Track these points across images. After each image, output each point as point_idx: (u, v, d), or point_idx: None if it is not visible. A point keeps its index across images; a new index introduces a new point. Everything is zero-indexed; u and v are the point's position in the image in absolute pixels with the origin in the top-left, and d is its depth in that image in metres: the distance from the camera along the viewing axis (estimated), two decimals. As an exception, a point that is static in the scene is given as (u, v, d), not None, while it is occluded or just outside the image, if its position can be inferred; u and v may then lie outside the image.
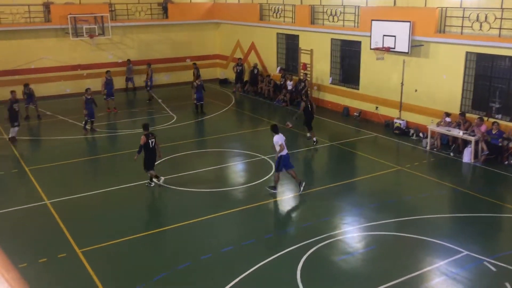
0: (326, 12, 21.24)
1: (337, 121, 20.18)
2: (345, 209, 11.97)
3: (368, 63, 19.75)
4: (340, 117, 20.70)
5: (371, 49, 18.70)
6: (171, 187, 13.24)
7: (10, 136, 17.45)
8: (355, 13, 19.85)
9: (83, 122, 18.87)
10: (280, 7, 23.87)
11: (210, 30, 29.07)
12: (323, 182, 13.69)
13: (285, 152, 12.50)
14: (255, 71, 25.54)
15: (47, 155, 16.39)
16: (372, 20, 18.35)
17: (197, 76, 23.95)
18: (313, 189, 13.04)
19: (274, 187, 12.74)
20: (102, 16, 24.54)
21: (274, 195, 12.64)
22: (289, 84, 23.04)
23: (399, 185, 13.70)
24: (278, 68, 24.86)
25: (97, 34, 24.50)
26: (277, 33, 24.83)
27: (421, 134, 17.50)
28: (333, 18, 20.97)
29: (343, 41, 21.19)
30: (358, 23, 19.73)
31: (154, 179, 13.18)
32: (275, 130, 12.63)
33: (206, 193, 12.93)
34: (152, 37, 27.26)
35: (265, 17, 25.31)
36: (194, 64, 25.76)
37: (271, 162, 15.02)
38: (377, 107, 19.73)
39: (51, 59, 24.66)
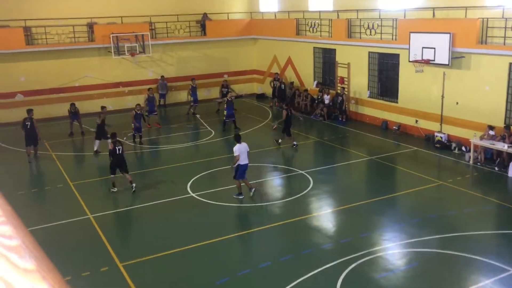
0: (363, 25, 21.12)
1: (376, 135, 19.91)
2: (385, 224, 11.74)
3: (407, 76, 19.45)
4: (378, 131, 20.42)
5: (409, 61, 18.44)
6: (210, 201, 13.35)
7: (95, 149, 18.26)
8: (392, 26, 19.66)
9: (132, 135, 19.63)
10: (317, 21, 23.92)
11: (247, 46, 29.40)
12: (362, 196, 13.49)
13: (243, 162, 13.05)
14: (282, 86, 25.40)
15: (91, 170, 16.88)
16: (411, 32, 18.11)
17: (225, 93, 23.73)
18: (352, 204, 12.87)
19: (239, 194, 13.34)
20: (142, 35, 25.26)
21: (310, 210, 12.55)
22: (326, 98, 22.94)
23: (441, 200, 13.34)
24: (315, 82, 24.83)
25: (138, 52, 25.21)
26: (314, 48, 24.85)
27: (463, 148, 17.02)
28: (370, 31, 20.83)
29: (380, 54, 20.99)
30: (396, 35, 19.53)
31: (113, 188, 14.19)
32: (237, 139, 13.29)
33: (243, 208, 12.96)
34: (191, 53, 27.81)
35: (301, 32, 25.40)
36: (225, 81, 25.77)
37: (309, 177, 14.95)
38: (417, 121, 19.36)
39: (94, 77, 25.51)
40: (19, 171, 17.00)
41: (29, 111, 17.93)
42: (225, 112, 20.80)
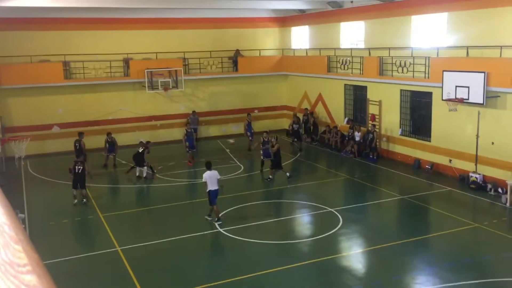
0: (395, 63, 21.13)
1: (408, 173, 19.59)
2: (417, 267, 11.39)
3: (440, 114, 19.22)
4: (410, 170, 20.09)
5: (443, 100, 18.24)
6: (237, 237, 13.29)
7: (144, 175, 19.41)
8: (425, 64, 19.59)
9: (187, 153, 21.26)
10: (348, 59, 24.07)
11: (278, 82, 29.74)
12: (394, 237, 13.17)
13: (213, 188, 13.96)
14: (295, 127, 25.22)
15: (121, 203, 17.11)
16: (444, 71, 17.99)
17: (247, 127, 23.58)
18: (383, 244, 12.58)
19: (218, 219, 14.12)
20: (176, 70, 25.92)
21: (339, 250, 12.31)
22: (357, 135, 22.81)
23: (476, 244, 12.89)
24: (346, 119, 24.77)
25: (171, 87, 25.82)
26: (345, 84, 24.92)
27: (499, 190, 16.51)
28: (402, 69, 20.81)
29: (413, 92, 20.86)
30: (428, 74, 19.43)
31: (75, 200, 16.25)
32: (207, 166, 14.27)
33: (271, 245, 12.83)
34: (222, 89, 28.29)
35: (332, 68, 25.58)
36: (249, 114, 25.40)
37: (338, 215, 14.75)
38: (450, 160, 18.97)
39: (128, 111, 26.17)
40: (51, 202, 17.38)
41: (80, 134, 20.35)
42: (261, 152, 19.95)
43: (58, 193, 18.02)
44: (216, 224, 14.10)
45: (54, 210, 16.41)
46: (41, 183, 19.61)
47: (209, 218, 14.40)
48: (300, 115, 26.79)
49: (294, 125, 25.32)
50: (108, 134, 21.93)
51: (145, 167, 19.62)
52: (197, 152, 23.35)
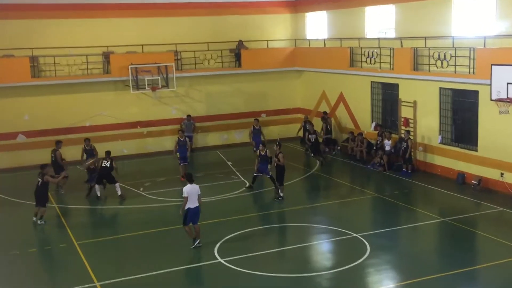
0: (433, 56, 21.14)
1: (450, 190, 19.52)
2: (462, 306, 11.32)
3: (488, 118, 19.18)
4: (453, 186, 20.01)
5: (492, 100, 18.22)
6: (241, 269, 13.26)
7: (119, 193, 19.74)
8: (469, 57, 19.59)
9: (180, 166, 21.47)
10: (375, 51, 24.12)
11: (290, 80, 29.82)
12: (433, 269, 13.09)
13: (193, 205, 14.32)
14: (312, 138, 24.98)
15: (100, 227, 17.11)
16: (492, 65, 17.98)
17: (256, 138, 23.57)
18: (420, 278, 12.52)
19: (194, 240, 14.65)
20: (166, 66, 26.08)
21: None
22: (387, 144, 22.78)
23: (535, 277, 12.81)
24: (373, 124, 24.77)
25: (160, 86, 25.95)
26: (372, 82, 24.93)
27: None
28: (441, 63, 20.81)
29: (455, 90, 20.84)
30: (474, 68, 19.42)
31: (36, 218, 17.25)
32: (188, 178, 14.70)
33: (284, 279, 12.80)
34: (222, 88, 28.39)
35: (356, 63, 25.62)
36: (256, 120, 25.33)
37: (365, 241, 14.71)
38: (502, 174, 18.91)
39: (109, 116, 26.29)
40: (16, 226, 17.43)
41: (58, 143, 21.09)
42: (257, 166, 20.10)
43: (23, 216, 18.07)
44: (194, 245, 14.59)
45: (19, 237, 16.44)
46: (2, 204, 19.69)
47: (199, 244, 14.69)
48: (315, 121, 26.80)
49: (310, 136, 24.50)
50: (86, 140, 21.83)
51: (118, 184, 19.65)
52: (191, 165, 23.39)
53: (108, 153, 19.91)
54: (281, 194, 18.89)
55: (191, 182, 14.57)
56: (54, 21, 25.53)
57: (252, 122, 25.15)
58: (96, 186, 19.61)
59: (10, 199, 20.14)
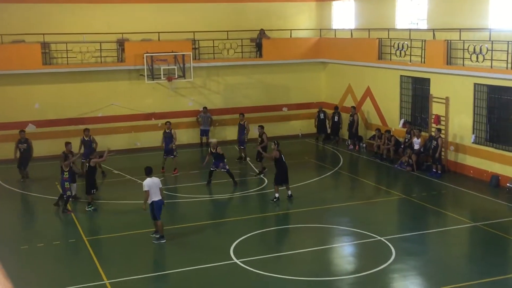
0: (468, 49, 20.92)
1: (483, 193, 19.34)
2: (494, 317, 11.23)
3: (526, 117, 18.94)
4: (486, 188, 19.82)
5: (530, 98, 17.99)
6: (258, 271, 13.29)
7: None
8: (507, 51, 19.35)
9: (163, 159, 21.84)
10: (406, 43, 23.94)
11: (314, 72, 29.73)
12: (464, 276, 13.05)
13: (157, 198, 14.90)
14: (321, 115, 27.22)
15: (111, 223, 17.28)
16: (532, 59, 17.76)
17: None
18: (450, 285, 12.45)
19: (161, 237, 15.06)
20: (183, 55, 26.12)
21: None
22: (416, 142, 22.62)
23: None
24: (402, 121, 24.60)
25: (176, 77, 26.02)
26: (401, 76, 24.76)
27: None
28: (477, 57, 20.58)
29: (490, 86, 20.62)
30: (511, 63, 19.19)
31: None
32: (147, 172, 15.27)
33: (303, 283, 12.81)
34: (242, 80, 28.40)
35: (385, 55, 25.46)
36: (241, 114, 24.70)
37: (390, 245, 14.64)
38: (539, 177, 18.68)
39: (122, 106, 26.46)
40: (23, 220, 17.67)
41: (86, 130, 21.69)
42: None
43: (33, 209, 18.32)
44: (159, 242, 14.97)
45: (28, 231, 16.66)
46: (11, 196, 19.97)
47: (156, 236, 15.16)
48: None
49: (320, 114, 27.32)
50: (86, 131, 22.01)
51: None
52: (203, 159, 23.44)
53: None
54: (289, 193, 18.77)
55: (149, 175, 15.20)
56: (66, 6, 25.73)
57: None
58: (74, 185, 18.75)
59: (19, 191, 20.38)
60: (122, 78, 26.34)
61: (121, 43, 26.39)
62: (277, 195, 18.55)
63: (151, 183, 15.00)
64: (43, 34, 24.94)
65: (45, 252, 15.04)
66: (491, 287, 12.48)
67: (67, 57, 25.56)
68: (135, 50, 25.91)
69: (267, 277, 13.06)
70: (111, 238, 15.87)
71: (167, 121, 23.16)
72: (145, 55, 25.44)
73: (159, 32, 26.70)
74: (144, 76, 25.58)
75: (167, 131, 22.54)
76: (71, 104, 25.61)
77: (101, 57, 26.06)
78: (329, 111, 28.29)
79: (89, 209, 17.87)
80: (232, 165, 22.07)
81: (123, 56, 26.27)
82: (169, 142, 22.32)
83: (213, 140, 22.02)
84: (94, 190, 18.19)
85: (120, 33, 26.43)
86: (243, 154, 24.07)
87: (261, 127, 22.60)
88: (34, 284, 12.74)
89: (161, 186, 15.24)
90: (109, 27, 26.12)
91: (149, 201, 14.93)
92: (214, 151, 20.51)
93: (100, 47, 25.87)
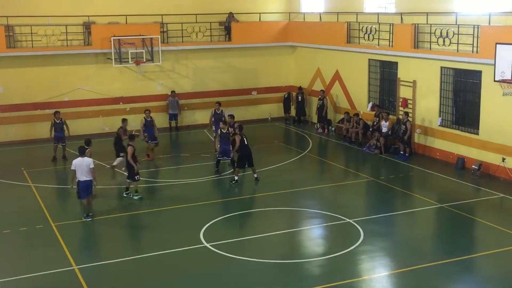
0: (434, 33, 21.11)
1: (449, 175, 19.65)
2: (459, 295, 11.46)
3: (491, 100, 19.25)
4: (452, 171, 20.15)
5: (495, 81, 18.27)
6: (228, 255, 13.32)
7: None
8: (473, 35, 19.59)
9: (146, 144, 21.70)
10: (374, 26, 24.06)
11: (283, 56, 29.72)
12: (429, 257, 13.23)
13: (82, 178, 15.33)
14: (285, 95, 28.88)
15: (78, 208, 17.09)
16: (497, 43, 18.00)
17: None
18: (415, 266, 12.62)
19: (87, 215, 15.68)
20: (151, 39, 25.85)
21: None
22: (384, 126, 22.84)
23: (535, 266, 12.98)
24: (370, 104, 24.81)
25: (144, 60, 25.77)
26: (370, 60, 24.92)
27: None
28: (443, 41, 20.79)
29: (456, 70, 20.87)
30: (477, 47, 19.43)
31: None
32: (79, 151, 15.61)
33: (273, 265, 12.86)
34: (211, 63, 28.26)
35: (354, 39, 25.55)
36: (218, 103, 23.56)
37: (358, 227, 14.80)
38: (504, 159, 19.05)
39: (89, 90, 26.11)
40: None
41: (124, 121, 21.17)
42: (218, 147, 20.22)
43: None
44: (86, 219, 15.54)
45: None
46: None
47: (89, 219, 15.63)
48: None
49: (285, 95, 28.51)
50: (56, 113, 21.85)
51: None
52: (178, 145, 23.34)
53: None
54: (255, 176, 19.12)
55: (82, 154, 15.51)
56: (31, -13, 25.20)
57: (214, 105, 23.74)
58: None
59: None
60: (89, 62, 25.98)
61: (87, 26, 26.01)
62: (236, 178, 18.72)
63: (78, 163, 15.35)
64: (7, 16, 24.46)
65: (12, 238, 14.82)
66: (456, 266, 12.66)
67: (32, 40, 25.09)
68: (102, 33, 25.54)
69: (237, 260, 13.07)
70: (79, 224, 15.70)
71: (147, 110, 22.72)
72: (112, 38, 25.10)
73: (126, 15, 26.38)
74: (112, 60, 25.26)
75: (147, 119, 22.04)
76: (37, 89, 25.25)
77: (67, 40, 25.64)
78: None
79: (137, 197, 17.30)
80: (204, 151, 21.98)
81: (90, 39, 25.90)
82: (152, 129, 22.02)
83: (230, 115, 21.66)
84: (138, 176, 17.48)
85: (86, 15, 26.05)
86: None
87: (231, 116, 21.61)
88: (1, 271, 12.54)
89: (92, 166, 15.42)
90: (75, 10, 25.68)
91: (76, 180, 15.43)
92: (225, 131, 19.52)
93: (66, 30, 25.45)
